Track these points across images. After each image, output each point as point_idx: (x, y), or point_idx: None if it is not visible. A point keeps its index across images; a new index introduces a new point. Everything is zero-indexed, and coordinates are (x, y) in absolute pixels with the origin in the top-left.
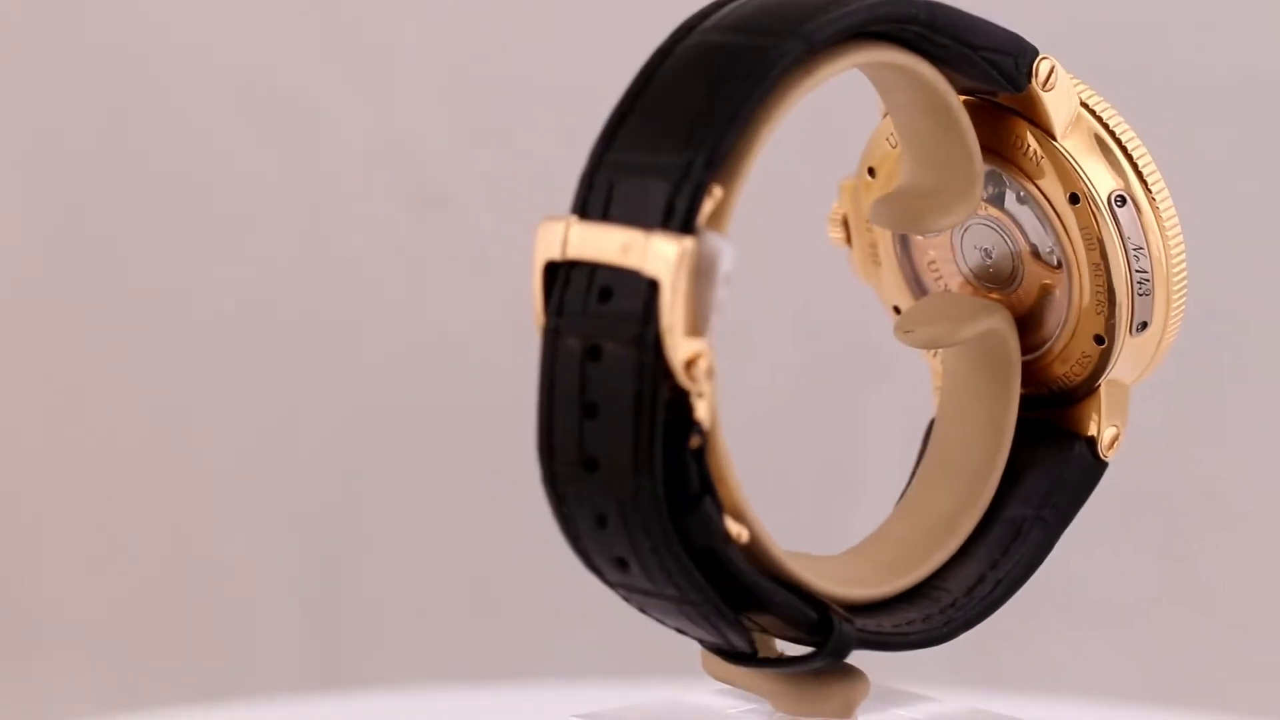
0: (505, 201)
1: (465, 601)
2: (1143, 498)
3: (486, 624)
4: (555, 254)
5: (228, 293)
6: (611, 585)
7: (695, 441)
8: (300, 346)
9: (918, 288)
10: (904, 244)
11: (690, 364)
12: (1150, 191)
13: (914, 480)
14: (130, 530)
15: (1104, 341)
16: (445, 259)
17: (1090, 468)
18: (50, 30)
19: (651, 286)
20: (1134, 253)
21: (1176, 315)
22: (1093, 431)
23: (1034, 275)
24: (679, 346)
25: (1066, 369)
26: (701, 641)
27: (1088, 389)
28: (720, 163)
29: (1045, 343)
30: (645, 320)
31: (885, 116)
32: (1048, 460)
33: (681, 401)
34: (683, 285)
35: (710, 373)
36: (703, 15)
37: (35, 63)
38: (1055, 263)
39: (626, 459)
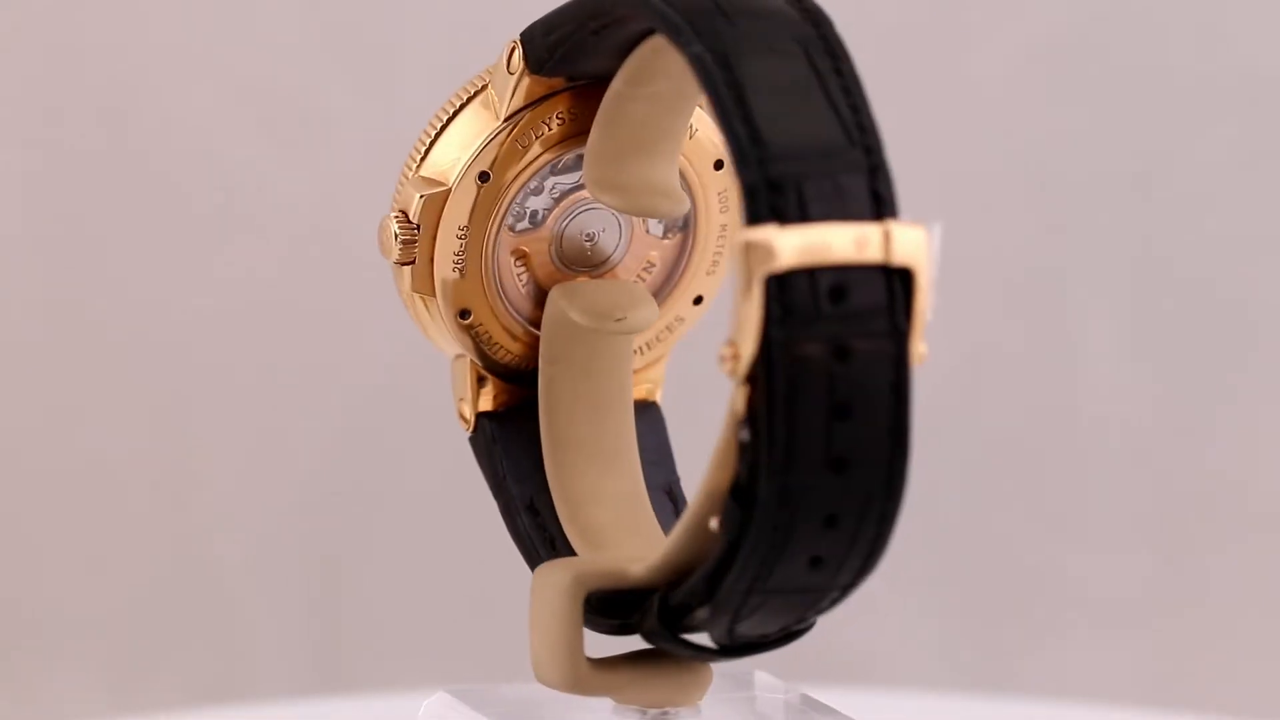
0: None
1: (466, 604)
2: (1148, 497)
3: (486, 626)
4: (775, 266)
5: (227, 293)
6: (756, 593)
7: None
8: (301, 347)
9: (498, 286)
10: (494, 243)
11: (922, 351)
12: None
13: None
14: (130, 531)
15: (701, 302)
16: None
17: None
18: (47, 28)
19: (895, 276)
20: None
21: None
22: (656, 397)
23: (639, 251)
24: (920, 331)
25: (645, 338)
26: (773, 636)
27: (663, 352)
28: (880, 148)
29: None
30: (896, 311)
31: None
32: (642, 426)
33: None
34: (930, 272)
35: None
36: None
37: (33, 62)
38: (662, 233)
39: (886, 452)
